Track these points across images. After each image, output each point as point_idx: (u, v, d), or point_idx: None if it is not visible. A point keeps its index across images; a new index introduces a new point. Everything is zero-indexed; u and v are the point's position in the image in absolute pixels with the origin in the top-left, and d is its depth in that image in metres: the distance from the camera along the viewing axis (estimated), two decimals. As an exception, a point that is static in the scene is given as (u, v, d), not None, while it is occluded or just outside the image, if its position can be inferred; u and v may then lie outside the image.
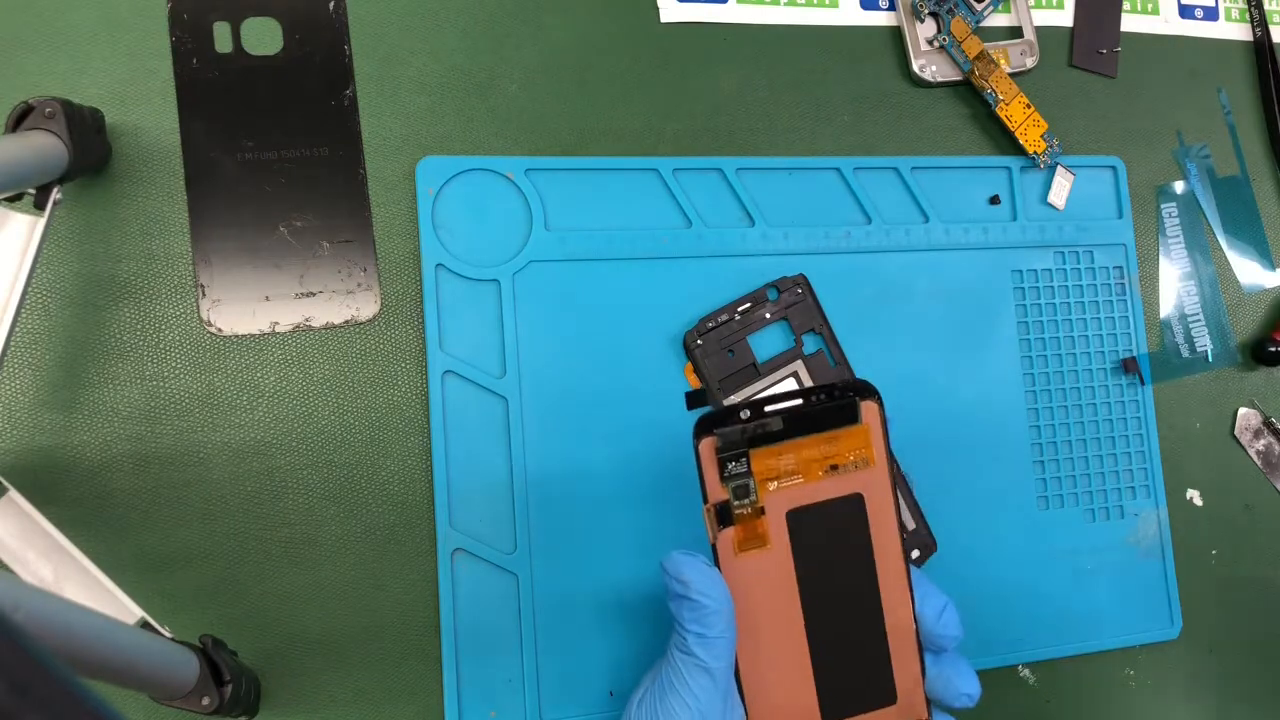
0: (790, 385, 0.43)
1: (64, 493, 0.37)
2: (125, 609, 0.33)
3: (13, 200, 0.34)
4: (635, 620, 0.41)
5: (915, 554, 0.44)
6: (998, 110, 0.48)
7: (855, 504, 0.33)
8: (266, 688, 0.38)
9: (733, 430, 0.32)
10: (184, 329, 0.39)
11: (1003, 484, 0.46)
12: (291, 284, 0.40)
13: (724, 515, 0.32)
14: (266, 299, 0.39)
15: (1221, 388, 0.52)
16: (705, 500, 0.32)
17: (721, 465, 0.32)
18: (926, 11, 0.48)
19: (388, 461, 0.40)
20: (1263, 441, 0.52)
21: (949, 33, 0.47)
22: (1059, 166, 0.49)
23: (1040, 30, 0.50)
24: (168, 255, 0.39)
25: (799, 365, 0.43)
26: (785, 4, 0.47)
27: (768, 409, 0.32)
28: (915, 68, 0.48)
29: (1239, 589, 0.50)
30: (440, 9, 0.43)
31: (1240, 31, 0.55)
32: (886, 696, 0.34)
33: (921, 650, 0.34)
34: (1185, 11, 0.54)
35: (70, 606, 0.26)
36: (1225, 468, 0.51)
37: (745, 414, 0.32)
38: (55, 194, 0.34)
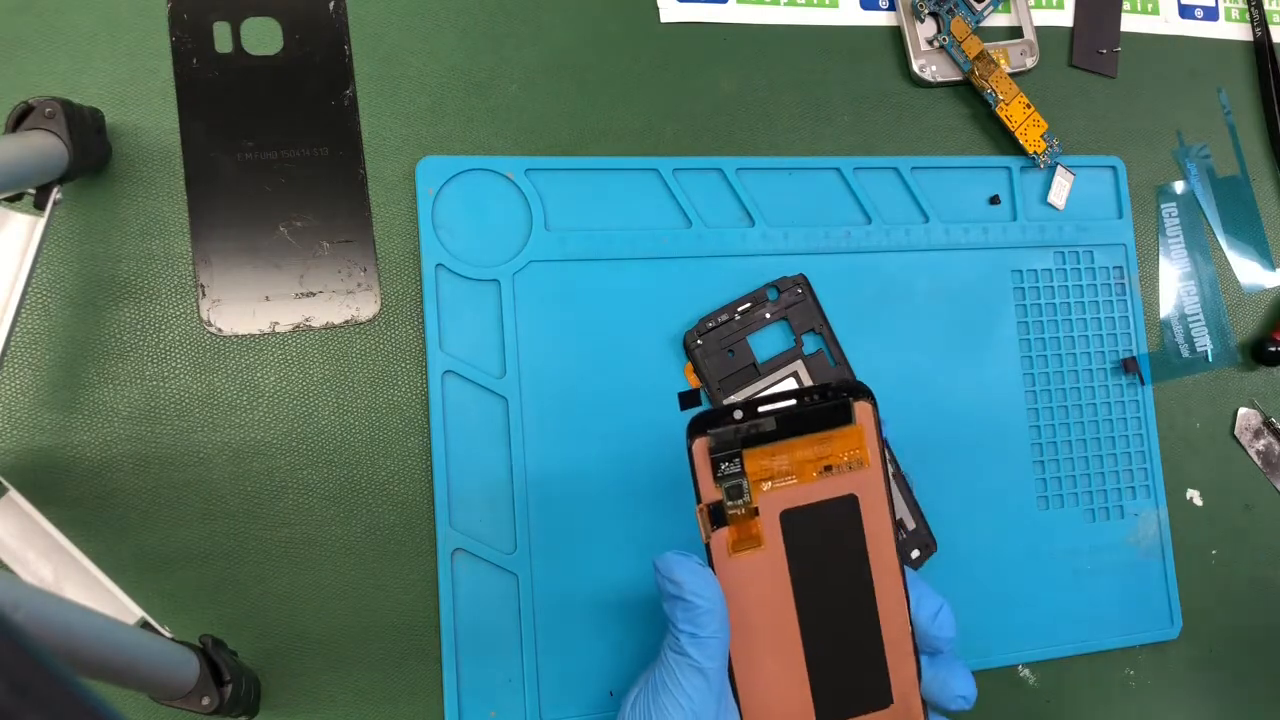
0: (790, 385, 0.43)
1: (64, 493, 0.37)
2: (125, 609, 0.33)
3: (13, 200, 0.34)
4: (635, 620, 0.41)
5: (915, 554, 0.44)
6: (998, 110, 0.48)
7: (849, 505, 0.33)
8: (266, 688, 0.38)
9: (726, 430, 0.32)
10: (184, 329, 0.39)
11: (1003, 484, 0.46)
12: (291, 284, 0.40)
13: (717, 516, 0.32)
14: (266, 299, 0.39)
15: (1221, 388, 0.52)
16: (699, 501, 0.32)
17: (715, 465, 0.32)
18: (926, 11, 0.48)
19: (388, 461, 0.40)
20: (1263, 441, 0.52)
21: (949, 33, 0.47)
22: (1059, 166, 0.49)
23: (1040, 30, 0.50)
24: (168, 255, 0.39)
25: (799, 365, 0.43)
26: (785, 4, 0.47)
27: (761, 409, 0.32)
28: (915, 68, 0.48)
29: (1239, 589, 0.50)
30: (440, 9, 0.43)
31: (1240, 31, 0.55)
32: (882, 698, 0.34)
33: (917, 652, 0.34)
34: (1185, 11, 0.54)
35: (70, 606, 0.26)
36: (1225, 468, 0.51)
37: (738, 414, 0.32)
38: (55, 194, 0.34)
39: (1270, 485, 0.52)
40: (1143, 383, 0.49)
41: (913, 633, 0.34)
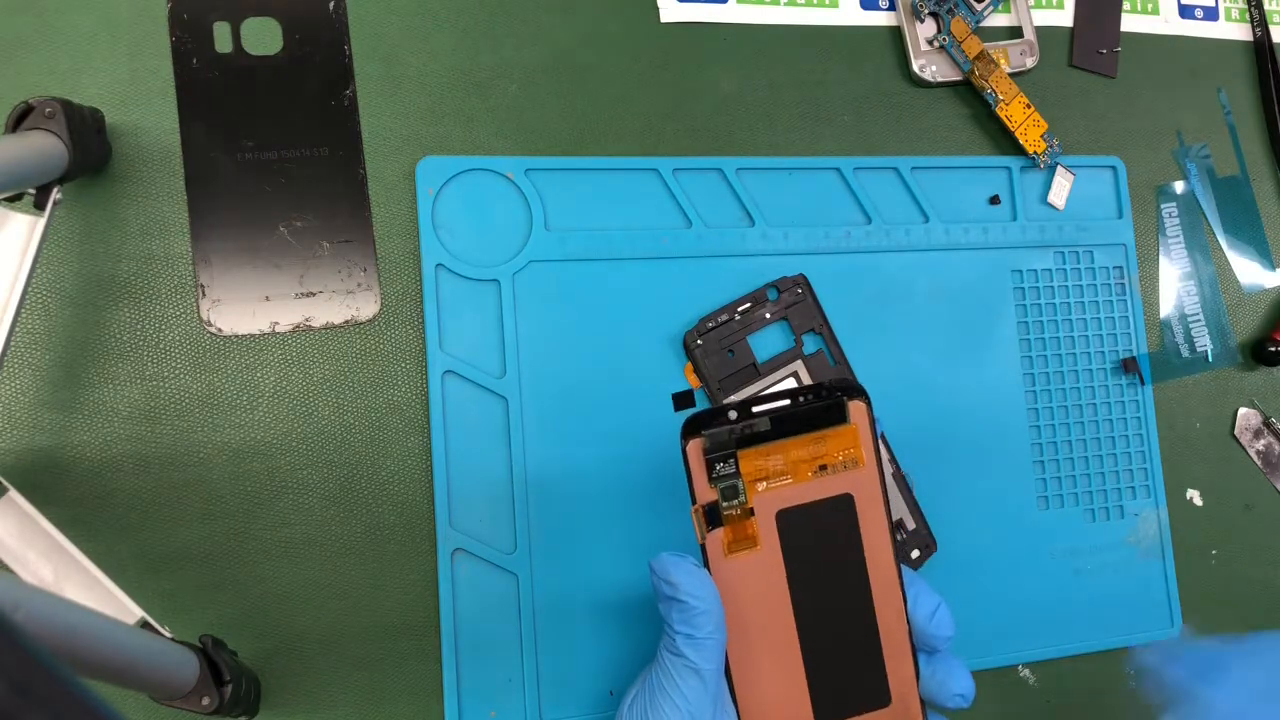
0: (790, 385, 0.43)
1: (64, 493, 0.37)
2: (125, 609, 0.33)
3: (13, 200, 0.34)
4: (635, 620, 0.41)
5: (915, 554, 0.44)
6: (998, 110, 0.48)
7: (845, 504, 0.33)
8: (266, 688, 0.38)
9: (720, 431, 0.32)
10: (184, 329, 0.39)
11: (1003, 484, 0.46)
12: (291, 284, 0.40)
13: (713, 516, 0.32)
14: (266, 299, 0.39)
15: (1221, 388, 0.52)
16: (694, 501, 0.32)
17: (709, 466, 0.32)
18: (926, 11, 0.48)
19: (388, 461, 0.40)
20: (1263, 441, 0.52)
21: (949, 33, 0.48)
22: (1059, 166, 0.49)
23: (1040, 30, 0.50)
24: (168, 255, 0.39)
25: (799, 365, 0.43)
26: (785, 4, 0.47)
27: (755, 410, 0.32)
28: (915, 68, 0.48)
29: (1239, 589, 0.50)
30: (441, 9, 0.43)
31: (1240, 31, 0.55)
32: (880, 698, 0.34)
33: (915, 651, 0.34)
34: (1185, 11, 0.54)
35: (70, 606, 0.26)
36: (1225, 468, 0.51)
37: (733, 415, 0.32)
38: (55, 194, 0.34)
39: (1270, 485, 0.52)
40: (1143, 383, 0.49)
41: (910, 631, 0.34)
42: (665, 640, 0.32)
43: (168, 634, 0.33)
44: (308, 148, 0.40)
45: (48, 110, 0.34)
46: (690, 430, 0.32)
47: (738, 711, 0.33)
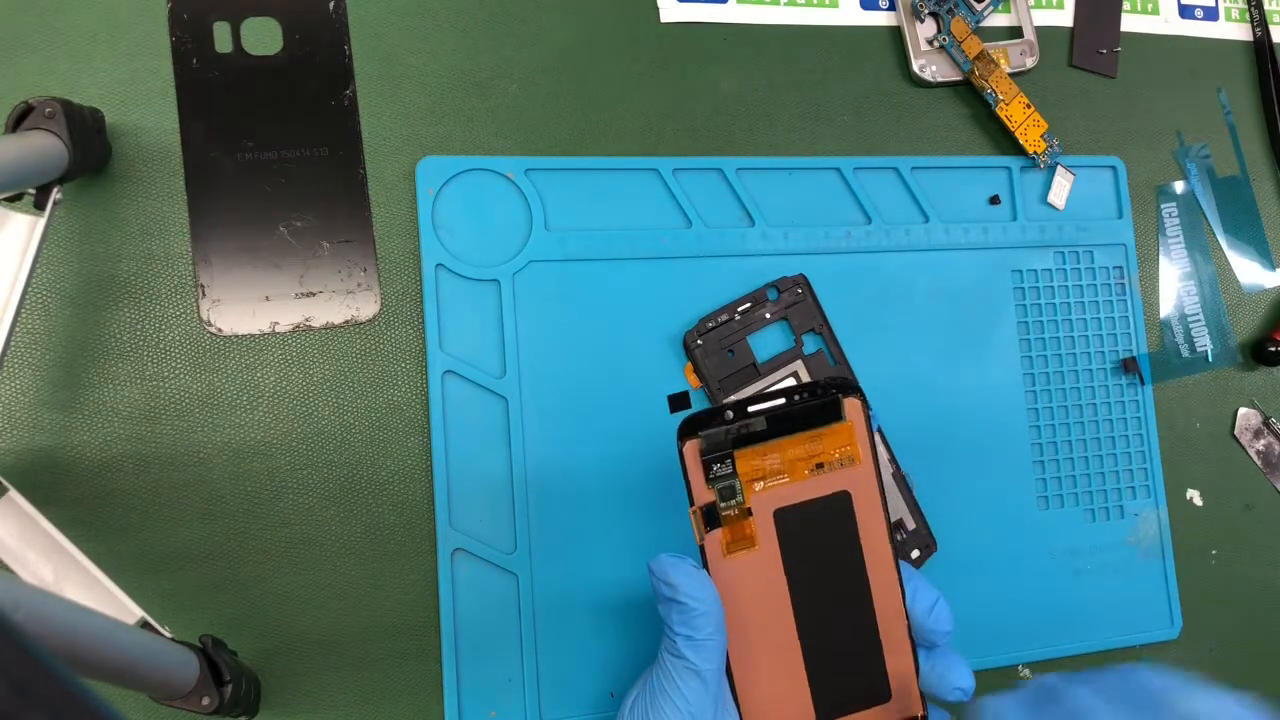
0: (789, 384, 0.43)
1: (64, 493, 0.37)
2: (125, 609, 0.33)
3: (13, 200, 0.34)
4: (636, 620, 0.41)
5: (915, 554, 0.44)
6: (998, 110, 0.48)
7: (842, 502, 0.33)
8: (266, 688, 0.38)
9: (717, 432, 0.32)
10: (184, 329, 0.39)
11: (1003, 484, 0.46)
12: (291, 284, 0.40)
13: (711, 517, 0.32)
14: (266, 299, 0.39)
15: (1221, 388, 0.52)
16: (691, 503, 0.32)
17: (707, 467, 0.32)
18: (926, 11, 0.48)
19: (388, 461, 0.40)
20: (1263, 441, 0.52)
21: (949, 33, 0.47)
22: (1059, 166, 0.49)
23: (1040, 30, 0.50)
24: (168, 255, 0.39)
25: (799, 365, 0.43)
26: (785, 4, 0.47)
27: (751, 409, 0.32)
28: (915, 68, 0.48)
29: (1239, 589, 0.50)
30: (440, 9, 0.43)
31: (1240, 31, 0.55)
32: (881, 694, 0.34)
33: (914, 646, 0.34)
34: (1185, 11, 0.54)
35: (70, 606, 0.26)
36: (1225, 468, 0.51)
37: (729, 415, 0.32)
38: (55, 194, 0.34)
39: (1270, 485, 0.52)
40: (1143, 383, 0.49)
41: (909, 627, 0.34)
42: (665, 642, 0.32)
43: (168, 634, 0.33)
44: (308, 148, 0.40)
45: (48, 110, 0.34)
46: (687, 431, 0.32)
47: (739, 711, 0.33)
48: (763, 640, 0.33)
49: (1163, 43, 0.53)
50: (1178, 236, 0.52)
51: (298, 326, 0.40)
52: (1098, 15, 0.52)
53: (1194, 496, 0.50)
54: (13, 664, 0.13)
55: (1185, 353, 0.51)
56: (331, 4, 0.41)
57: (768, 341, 0.44)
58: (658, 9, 0.46)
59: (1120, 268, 0.50)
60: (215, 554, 0.38)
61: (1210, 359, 0.51)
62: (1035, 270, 0.48)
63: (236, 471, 0.39)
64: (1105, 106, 0.52)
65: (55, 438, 0.37)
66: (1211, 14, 0.55)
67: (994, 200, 0.48)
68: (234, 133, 0.40)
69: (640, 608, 0.41)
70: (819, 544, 0.33)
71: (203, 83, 0.40)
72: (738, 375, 0.43)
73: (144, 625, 0.33)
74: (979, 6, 0.48)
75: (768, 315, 0.43)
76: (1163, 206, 0.52)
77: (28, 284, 0.33)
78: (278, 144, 0.40)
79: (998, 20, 0.50)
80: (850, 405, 0.33)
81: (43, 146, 0.34)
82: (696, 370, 0.42)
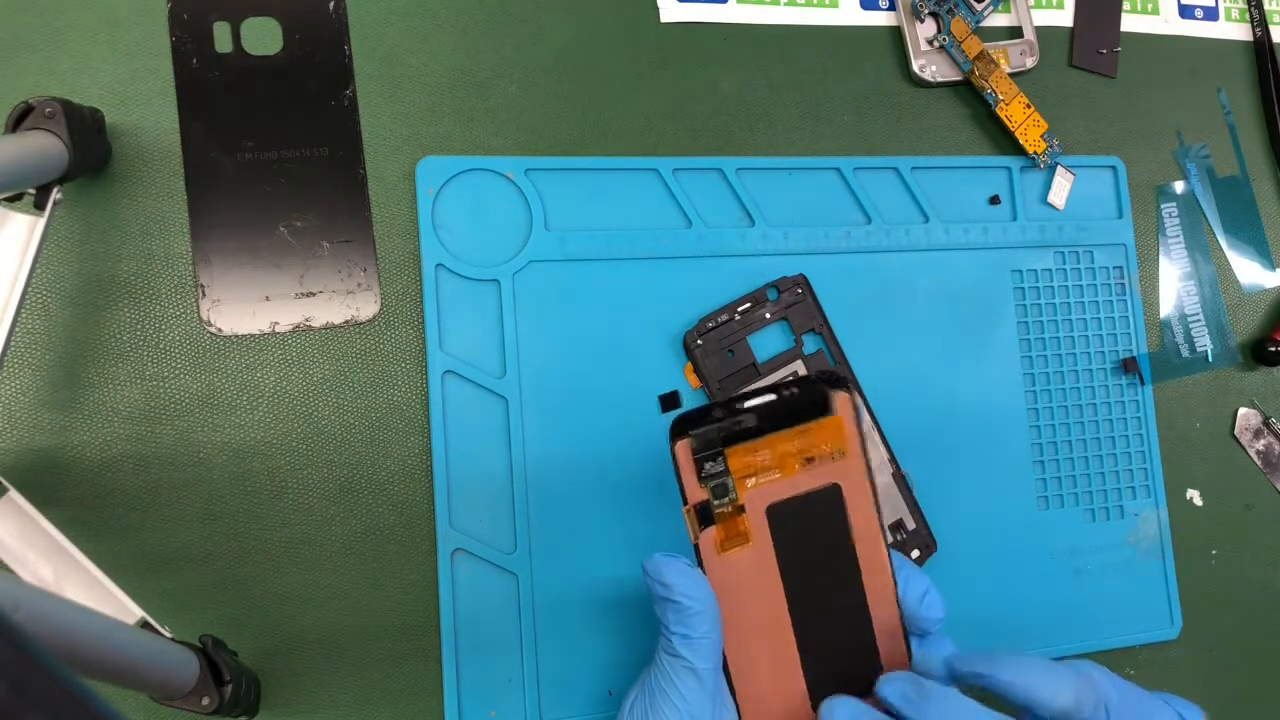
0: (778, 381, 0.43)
1: (64, 493, 0.37)
2: (125, 609, 0.33)
3: (13, 200, 0.34)
4: (635, 620, 0.41)
5: (915, 554, 0.44)
6: (998, 110, 0.48)
7: (833, 495, 0.33)
8: (266, 688, 0.38)
9: (708, 430, 0.32)
10: (184, 329, 0.39)
11: (1003, 484, 0.46)
12: (291, 284, 0.40)
13: (704, 515, 0.32)
14: (266, 299, 0.39)
15: (1221, 388, 0.52)
16: (685, 502, 0.32)
17: (699, 465, 0.32)
18: (926, 11, 0.48)
19: (388, 461, 0.40)
20: (1263, 441, 0.52)
21: (949, 33, 0.48)
22: (1059, 166, 0.49)
23: (1040, 30, 0.50)
24: (168, 255, 0.39)
25: (799, 365, 0.43)
26: (785, 4, 0.47)
27: (740, 406, 0.32)
28: (915, 68, 0.48)
29: (1239, 589, 0.50)
30: (440, 9, 0.43)
31: (1240, 31, 0.55)
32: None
33: (907, 635, 0.34)
34: (1185, 11, 0.54)
35: (70, 606, 0.26)
36: (1225, 468, 0.51)
37: (718, 413, 0.32)
38: (55, 194, 0.34)
39: (1270, 485, 0.52)
40: (1143, 383, 0.49)
41: (901, 616, 0.34)
42: (662, 641, 0.32)
43: (168, 634, 0.33)
44: (308, 148, 0.40)
45: (48, 110, 0.34)
46: (678, 430, 0.32)
47: (738, 708, 0.33)
48: (758, 636, 0.33)
49: (1163, 43, 0.53)
50: (1178, 236, 0.52)
51: (298, 326, 0.40)
52: (1098, 15, 0.52)
53: (1194, 496, 0.50)
54: (13, 664, 0.13)
55: (1185, 353, 0.51)
56: (331, 4, 0.41)
57: (768, 341, 0.44)
58: (658, 9, 0.46)
59: (1120, 268, 0.50)
60: (215, 554, 0.38)
61: (1210, 359, 0.51)
62: (1035, 270, 0.48)
63: (236, 471, 0.39)
64: (1105, 106, 0.52)
65: (55, 438, 0.37)
66: (1211, 14, 0.55)
67: (994, 200, 0.48)
68: (234, 133, 0.40)
69: (640, 607, 0.41)
70: (811, 538, 0.33)
71: (203, 83, 0.40)
72: (738, 375, 0.43)
73: (144, 625, 0.33)
74: (979, 6, 0.48)
75: (768, 315, 0.43)
76: (1163, 206, 0.52)
77: (28, 284, 0.33)
78: (278, 144, 0.40)
79: (998, 20, 0.50)
80: (838, 399, 0.33)
81: (43, 146, 0.34)
82: (696, 370, 0.42)
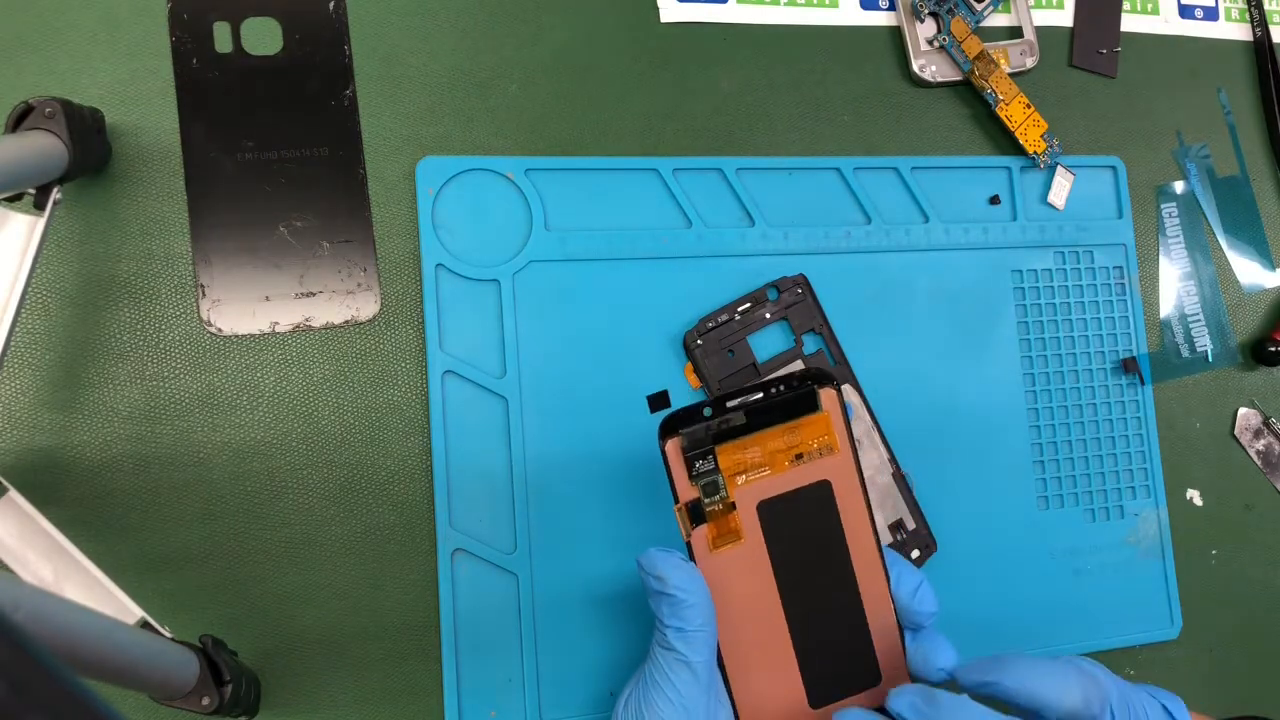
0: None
1: (64, 493, 0.37)
2: (125, 609, 0.33)
3: (13, 200, 0.34)
4: (635, 620, 0.41)
5: (915, 554, 0.44)
6: (998, 110, 0.48)
7: (823, 491, 0.34)
8: (266, 688, 0.38)
9: (697, 429, 0.32)
10: (184, 329, 0.39)
11: (1003, 484, 0.46)
12: (291, 284, 0.40)
13: (696, 513, 0.32)
14: (266, 299, 0.39)
15: (1221, 388, 0.52)
16: (676, 500, 0.32)
17: (689, 464, 0.32)
18: (926, 11, 0.48)
19: (388, 461, 0.40)
20: (1263, 441, 0.52)
21: (949, 33, 0.48)
22: (1059, 166, 0.49)
23: (1040, 30, 0.50)
24: (168, 255, 0.39)
25: (799, 365, 0.43)
26: (785, 4, 0.47)
27: (729, 404, 0.32)
28: (915, 68, 0.48)
29: (1239, 589, 0.50)
30: (440, 9, 0.43)
31: (1240, 31, 0.55)
32: (871, 678, 0.34)
33: (901, 629, 0.34)
34: (1185, 11, 0.54)
35: (70, 606, 0.26)
36: (1225, 468, 0.51)
37: (707, 412, 0.32)
38: (55, 194, 0.34)
39: (1270, 485, 0.52)
40: (1143, 383, 0.49)
41: (895, 610, 0.34)
42: (657, 635, 0.33)
43: (168, 634, 0.33)
44: (308, 148, 0.40)
45: (48, 110, 0.34)
46: (667, 429, 0.32)
47: (733, 702, 0.33)
48: (753, 631, 0.33)
49: (1163, 43, 0.53)
50: (1178, 236, 0.52)
51: (298, 326, 0.40)
52: (1098, 15, 0.52)
53: (1194, 496, 0.50)
54: (13, 664, 0.13)
55: (1185, 353, 0.51)
56: (331, 4, 0.41)
57: (768, 341, 0.44)
58: (658, 9, 0.46)
59: (1120, 268, 0.50)
60: (215, 554, 0.38)
61: (1210, 359, 0.51)
62: (1035, 270, 0.48)
63: (236, 471, 0.39)
64: (1105, 106, 0.52)
65: (55, 438, 0.37)
66: (1211, 14, 0.55)
67: (994, 200, 0.48)
68: (234, 133, 0.40)
69: (640, 607, 0.41)
70: (803, 534, 0.33)
71: (203, 83, 0.40)
72: (738, 375, 0.43)
73: (144, 625, 0.33)
74: (979, 6, 0.48)
75: (768, 315, 0.43)
76: (1163, 206, 0.52)
77: (28, 284, 0.33)
78: (278, 144, 0.40)
79: (998, 20, 0.50)
80: (826, 395, 0.33)
81: (43, 146, 0.34)
82: (696, 370, 0.42)
